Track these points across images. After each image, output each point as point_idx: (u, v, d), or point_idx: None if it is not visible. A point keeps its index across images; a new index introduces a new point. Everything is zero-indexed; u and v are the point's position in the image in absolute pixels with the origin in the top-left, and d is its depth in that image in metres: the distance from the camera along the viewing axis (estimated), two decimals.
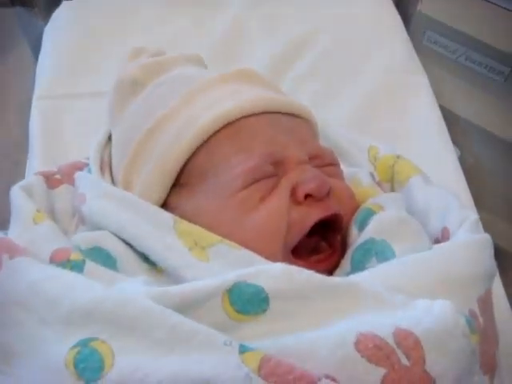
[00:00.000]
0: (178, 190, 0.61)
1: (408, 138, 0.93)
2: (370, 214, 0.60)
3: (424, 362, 0.43)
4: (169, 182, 0.60)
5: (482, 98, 1.22)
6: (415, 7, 1.23)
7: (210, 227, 0.55)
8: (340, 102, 0.98)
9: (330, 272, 0.58)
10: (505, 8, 1.11)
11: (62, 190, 0.67)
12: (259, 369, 0.41)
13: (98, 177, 0.66)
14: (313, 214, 0.56)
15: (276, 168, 0.58)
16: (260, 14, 1.15)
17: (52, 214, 0.64)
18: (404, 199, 0.66)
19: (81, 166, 0.71)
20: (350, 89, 1.02)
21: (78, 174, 0.66)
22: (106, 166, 0.69)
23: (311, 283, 0.47)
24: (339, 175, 0.64)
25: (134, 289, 0.47)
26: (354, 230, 0.60)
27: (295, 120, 0.64)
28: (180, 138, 0.59)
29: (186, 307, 0.45)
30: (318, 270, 0.50)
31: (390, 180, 0.71)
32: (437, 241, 0.61)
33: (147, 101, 0.66)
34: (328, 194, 0.57)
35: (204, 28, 1.13)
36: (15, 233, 0.57)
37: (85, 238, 0.56)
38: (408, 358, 0.42)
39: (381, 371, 0.42)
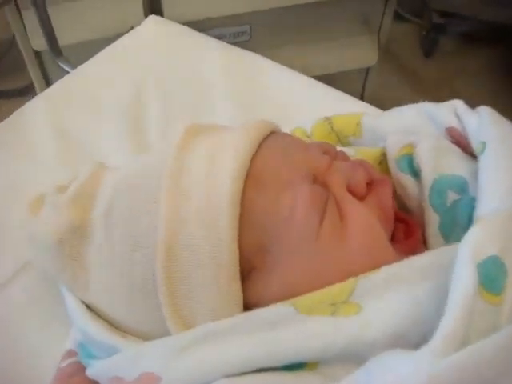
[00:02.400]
0: (248, 283, 0.48)
1: (294, 107, 0.87)
2: (409, 157, 0.56)
3: None
4: (237, 285, 0.47)
5: None
6: None
7: (316, 287, 0.45)
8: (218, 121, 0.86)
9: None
10: None
11: None
12: None
13: (138, 344, 0.50)
14: (385, 193, 0.52)
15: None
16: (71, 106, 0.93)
17: None
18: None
19: (71, 370, 0.56)
20: (213, 106, 0.90)
21: (99, 368, 0.52)
22: (124, 335, 0.53)
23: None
24: (347, 156, 0.60)
25: (404, 363, 0.37)
26: (407, 179, 0.56)
27: (281, 135, 0.57)
28: (214, 233, 0.47)
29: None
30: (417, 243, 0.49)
31: (338, 142, 0.67)
32: None
33: (115, 235, 0.51)
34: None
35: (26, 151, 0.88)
36: None
37: None
38: None
39: None
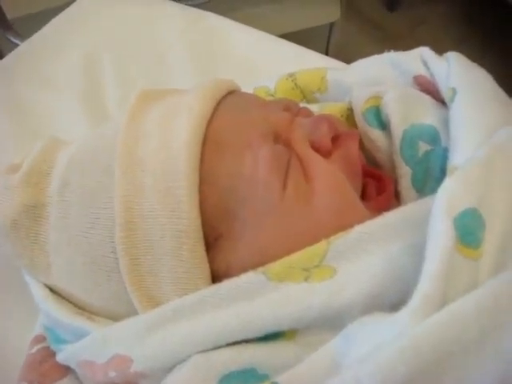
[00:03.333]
0: (215, 251, 0.46)
1: (257, 63, 0.84)
2: (375, 109, 0.54)
3: None
4: (201, 253, 0.45)
5: None
6: None
7: (290, 250, 0.43)
8: (176, 84, 0.72)
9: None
10: None
11: None
12: None
13: (107, 325, 0.48)
14: (351, 147, 0.50)
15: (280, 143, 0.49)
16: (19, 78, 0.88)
17: None
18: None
19: (41, 357, 0.53)
20: (171, 68, 0.87)
21: (68, 354, 0.49)
22: (92, 317, 0.50)
23: (485, 163, 0.41)
24: (311, 112, 0.56)
25: (388, 328, 0.36)
26: (375, 132, 0.54)
27: (240, 93, 0.55)
28: (173, 201, 0.45)
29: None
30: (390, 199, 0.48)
31: (303, 98, 0.65)
32: None
33: (73, 210, 0.49)
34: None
35: None
36: None
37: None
38: None
39: None
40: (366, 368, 0.33)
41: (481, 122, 0.45)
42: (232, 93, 0.53)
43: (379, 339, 0.35)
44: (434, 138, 0.51)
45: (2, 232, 0.50)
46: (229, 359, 0.42)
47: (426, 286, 0.36)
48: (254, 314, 0.42)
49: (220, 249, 0.47)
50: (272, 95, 0.66)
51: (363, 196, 0.50)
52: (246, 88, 0.58)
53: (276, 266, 0.43)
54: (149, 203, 0.45)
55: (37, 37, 0.91)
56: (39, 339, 0.55)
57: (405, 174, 0.51)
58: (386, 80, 0.59)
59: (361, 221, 0.43)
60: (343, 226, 0.43)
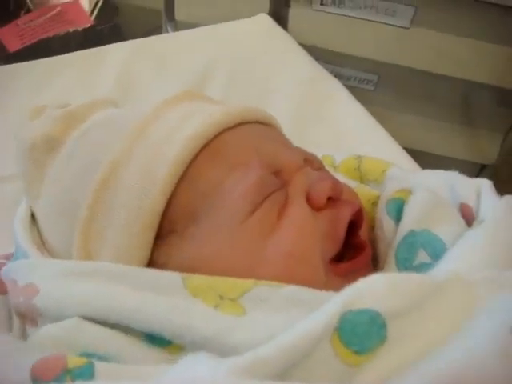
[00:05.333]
0: (163, 242, 0.48)
1: (346, 140, 0.86)
2: (401, 202, 0.53)
3: None
4: (149, 236, 0.47)
5: None
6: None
7: (224, 273, 0.44)
8: None
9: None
10: (360, 18, 1.21)
11: None
12: None
13: (42, 258, 0.51)
14: (342, 214, 0.48)
15: (278, 178, 0.50)
16: (146, 57, 0.99)
17: None
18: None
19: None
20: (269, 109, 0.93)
21: (6, 268, 0.52)
22: (43, 249, 0.53)
23: (424, 286, 0.38)
24: (329, 174, 0.57)
25: (204, 367, 0.35)
26: (388, 222, 0.52)
27: (271, 128, 0.56)
28: (150, 180, 0.48)
29: (286, 370, 0.35)
30: (358, 271, 0.44)
31: (361, 183, 0.64)
32: None
33: (77, 155, 0.53)
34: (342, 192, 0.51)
35: (91, 81, 0.94)
36: None
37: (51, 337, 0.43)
38: None
39: None
40: None
41: (480, 253, 0.45)
42: (263, 123, 0.55)
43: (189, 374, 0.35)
44: (437, 253, 0.48)
45: (21, 149, 0.56)
46: (99, 339, 0.42)
47: (266, 350, 0.35)
48: (148, 305, 0.42)
49: (167, 243, 0.48)
50: (334, 167, 0.67)
51: (337, 260, 0.48)
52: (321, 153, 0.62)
53: (197, 280, 0.43)
54: (130, 172, 0.49)
55: (188, 32, 1.03)
56: (9, 256, 0.58)
57: (390, 271, 0.49)
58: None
59: (312, 280, 0.43)
60: (287, 277, 0.43)
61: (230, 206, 0.47)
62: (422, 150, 1.23)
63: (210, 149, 0.49)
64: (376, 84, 1.33)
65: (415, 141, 1.22)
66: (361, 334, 0.35)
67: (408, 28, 1.26)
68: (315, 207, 0.48)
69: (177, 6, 1.14)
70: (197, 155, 0.48)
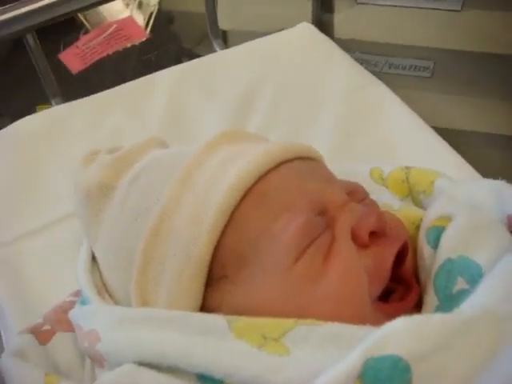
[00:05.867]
0: (215, 288, 0.50)
1: (396, 149, 0.83)
2: (440, 231, 0.53)
3: None
4: (199, 282, 0.50)
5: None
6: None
7: (273, 316, 0.45)
8: (312, 139, 0.83)
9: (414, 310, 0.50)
10: (410, 7, 1.23)
11: (58, 340, 0.58)
12: None
13: (102, 304, 0.54)
14: (388, 252, 0.49)
15: (323, 218, 0.51)
16: (193, 82, 1.00)
17: (57, 373, 0.55)
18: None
19: (68, 307, 0.60)
20: (317, 122, 0.90)
21: (73, 313, 0.56)
22: (103, 292, 0.57)
23: (447, 327, 0.38)
24: (377, 206, 0.57)
25: None
26: (428, 251, 0.52)
27: (312, 163, 0.57)
28: (196, 229, 0.50)
29: None
30: (406, 310, 0.43)
31: (409, 194, 0.65)
32: None
33: (129, 202, 0.56)
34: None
35: (141, 113, 0.96)
36: None
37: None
38: None
39: None
40: None
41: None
42: (303, 159, 0.56)
43: None
44: (474, 279, 0.47)
45: (78, 196, 0.61)
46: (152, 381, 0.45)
47: None
48: (196, 350, 0.44)
49: (220, 288, 0.50)
50: (382, 179, 0.67)
51: (386, 298, 0.49)
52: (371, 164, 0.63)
53: (241, 322, 0.45)
54: (179, 221, 0.51)
55: (231, 50, 1.04)
56: (77, 293, 0.63)
57: (430, 302, 0.49)
58: (484, 208, 0.56)
59: (360, 319, 0.43)
60: (335, 316, 0.44)
61: (279, 252, 0.48)
62: (479, 131, 1.19)
63: (253, 193, 0.51)
64: (433, 70, 1.30)
65: (473, 122, 1.19)
66: (384, 380, 0.36)
67: (459, 11, 1.23)
68: (360, 244, 0.49)
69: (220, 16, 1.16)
70: (241, 200, 0.50)
